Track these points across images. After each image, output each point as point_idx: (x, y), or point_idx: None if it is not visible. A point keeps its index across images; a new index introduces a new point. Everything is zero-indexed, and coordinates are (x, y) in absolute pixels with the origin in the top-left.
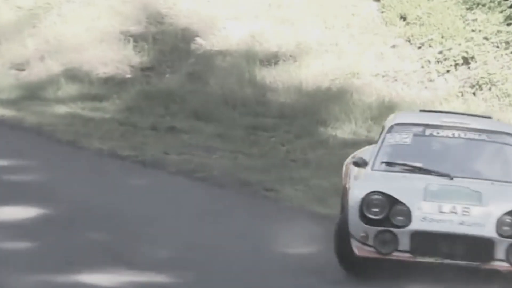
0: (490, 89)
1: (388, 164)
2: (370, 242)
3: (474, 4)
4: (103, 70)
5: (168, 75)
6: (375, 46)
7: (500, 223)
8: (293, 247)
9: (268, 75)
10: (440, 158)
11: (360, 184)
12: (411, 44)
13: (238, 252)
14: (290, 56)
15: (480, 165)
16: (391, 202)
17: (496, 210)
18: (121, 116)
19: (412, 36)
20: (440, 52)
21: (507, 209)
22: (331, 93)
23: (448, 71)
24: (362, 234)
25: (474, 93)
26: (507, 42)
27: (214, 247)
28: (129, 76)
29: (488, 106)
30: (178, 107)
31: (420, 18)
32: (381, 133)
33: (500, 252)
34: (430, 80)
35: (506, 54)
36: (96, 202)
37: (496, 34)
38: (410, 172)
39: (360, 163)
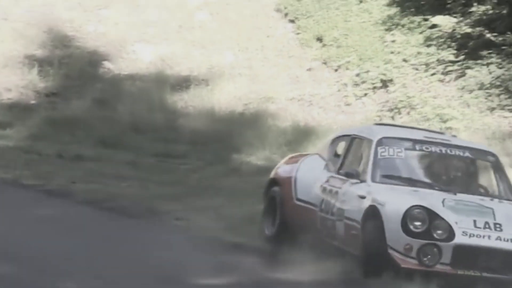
0: (409, 113)
1: (389, 177)
2: (413, 254)
3: (393, 25)
4: (6, 96)
5: (75, 100)
6: (290, 69)
7: None
8: (205, 278)
9: (180, 100)
10: (435, 173)
11: (394, 198)
12: (327, 66)
13: (150, 284)
14: (202, 80)
15: (473, 181)
16: (431, 216)
17: None
18: (26, 144)
19: (328, 58)
20: (358, 75)
21: None
22: (244, 118)
23: (365, 94)
24: (407, 246)
25: (392, 117)
26: (426, 64)
27: (124, 278)
28: (33, 102)
29: None
30: (85, 134)
31: (337, 39)
32: (331, 145)
33: None
34: (347, 104)
35: (426, 77)
36: None
37: (415, 56)
38: (413, 186)
39: (354, 174)
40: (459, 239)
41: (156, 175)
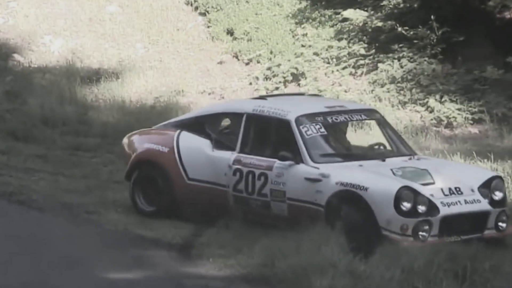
0: None
1: (326, 156)
2: (409, 232)
3: (304, 18)
4: None
5: None
6: (201, 62)
7: (486, 196)
8: (116, 272)
9: (90, 93)
10: (352, 142)
11: (371, 178)
12: (238, 60)
13: (62, 278)
14: (113, 73)
15: (393, 142)
16: (415, 194)
17: (471, 184)
18: None
19: (239, 51)
20: (269, 69)
21: (479, 182)
22: (155, 111)
23: (277, 88)
24: (404, 227)
25: None
26: (338, 58)
27: (34, 274)
28: None
29: None
30: None
31: (248, 33)
32: (210, 122)
33: (491, 221)
34: None
35: (337, 70)
36: None
37: (326, 50)
38: (349, 160)
39: (288, 157)
40: (443, 211)
41: (67, 168)
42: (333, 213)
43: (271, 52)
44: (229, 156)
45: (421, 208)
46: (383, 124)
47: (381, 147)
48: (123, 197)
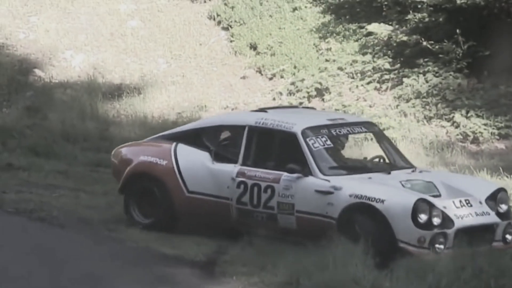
0: None
1: (334, 168)
2: (426, 245)
3: (328, 32)
4: None
5: (5, 109)
6: (224, 77)
7: (492, 208)
8: None
9: (111, 109)
10: (355, 154)
11: (386, 191)
12: (262, 75)
13: None
14: (135, 88)
15: (391, 155)
16: (430, 206)
17: (478, 197)
18: None
19: (263, 66)
20: (293, 83)
21: (486, 195)
22: (178, 127)
23: (301, 103)
24: (421, 239)
25: None
26: (362, 72)
27: None
28: None
29: None
30: (15, 143)
31: (271, 47)
32: (209, 134)
33: (498, 233)
34: None
35: (362, 85)
36: None
37: (351, 64)
38: (357, 173)
39: (296, 169)
40: (457, 223)
41: (88, 185)
42: (346, 225)
43: (294, 67)
44: (231, 168)
45: (436, 221)
46: (380, 137)
47: (381, 160)
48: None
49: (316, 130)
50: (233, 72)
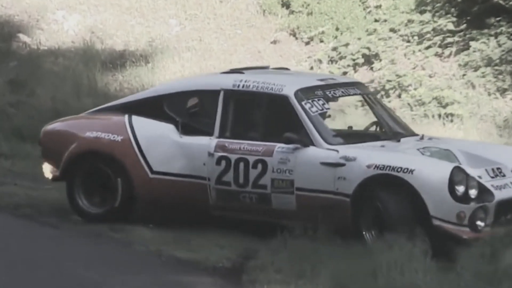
0: (399, 95)
1: (339, 135)
2: (466, 222)
3: None
4: None
5: None
6: (250, 41)
7: None
8: None
9: (113, 81)
10: (367, 119)
11: (413, 160)
12: (296, 39)
13: None
14: (141, 56)
15: (389, 122)
16: (467, 176)
17: (505, 165)
18: None
19: (298, 28)
20: (335, 49)
21: None
22: None
23: (345, 72)
24: (461, 215)
25: None
26: (420, 35)
27: None
28: None
29: None
30: None
31: (308, 5)
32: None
33: None
34: None
35: (420, 51)
36: None
37: (406, 25)
38: (366, 141)
39: (295, 139)
40: (498, 195)
41: None
42: (364, 203)
43: (337, 29)
44: (206, 142)
45: (473, 193)
46: (373, 100)
47: (377, 128)
48: (155, 210)
49: (310, 91)
50: (261, 35)
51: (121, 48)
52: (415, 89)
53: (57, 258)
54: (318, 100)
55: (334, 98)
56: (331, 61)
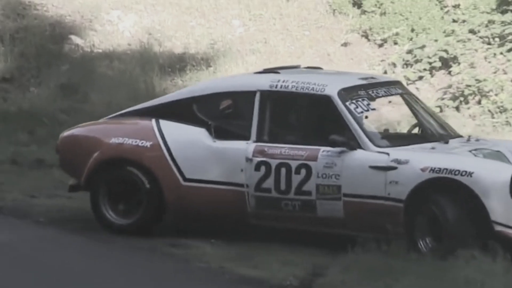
0: (479, 101)
1: (387, 137)
2: None
3: None
4: None
5: (33, 88)
6: (319, 43)
7: None
8: None
9: (172, 86)
10: (404, 119)
11: (470, 162)
12: (369, 40)
13: None
14: (202, 59)
15: (432, 123)
16: None
17: None
18: None
19: (370, 29)
20: (410, 52)
21: None
22: None
23: (421, 77)
24: None
25: (457, 108)
26: (502, 37)
27: None
28: None
29: (477, 126)
30: (46, 132)
31: (381, 4)
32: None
33: None
34: None
35: (501, 53)
36: None
37: (486, 26)
38: (415, 143)
39: (341, 142)
40: None
41: None
42: (419, 209)
43: (412, 30)
44: (243, 146)
45: None
46: (414, 100)
47: (419, 130)
48: (218, 223)
49: (353, 91)
50: (331, 37)
51: (181, 50)
52: (496, 94)
53: (111, 275)
54: (362, 100)
55: (377, 98)
56: (406, 64)
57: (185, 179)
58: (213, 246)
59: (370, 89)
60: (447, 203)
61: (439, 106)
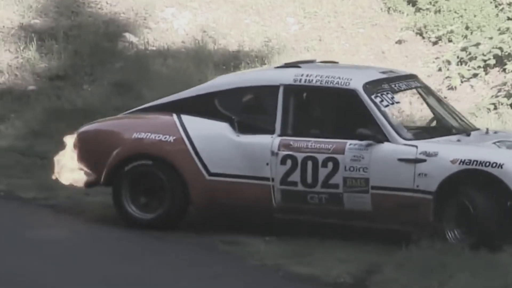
0: None
1: (413, 129)
2: None
3: None
4: None
5: (86, 85)
6: (374, 41)
7: None
8: None
9: None
10: (427, 113)
11: (499, 153)
12: (423, 38)
13: None
14: (256, 57)
15: (448, 116)
16: None
17: None
18: (23, 144)
19: (425, 27)
20: (464, 49)
21: None
22: None
23: (475, 75)
24: None
25: (511, 105)
26: None
27: None
28: (32, 87)
29: None
30: None
31: (436, 2)
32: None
33: None
34: (451, 88)
35: None
36: None
37: None
38: (441, 135)
39: (368, 135)
40: None
41: None
42: (448, 201)
43: (467, 28)
44: (268, 140)
45: None
46: (430, 93)
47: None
48: (272, 221)
49: (377, 85)
50: (385, 34)
51: (235, 48)
52: None
53: (166, 273)
54: (387, 93)
55: (399, 91)
56: (461, 62)
57: (210, 174)
58: (267, 243)
59: (392, 83)
60: (478, 195)
61: (494, 104)
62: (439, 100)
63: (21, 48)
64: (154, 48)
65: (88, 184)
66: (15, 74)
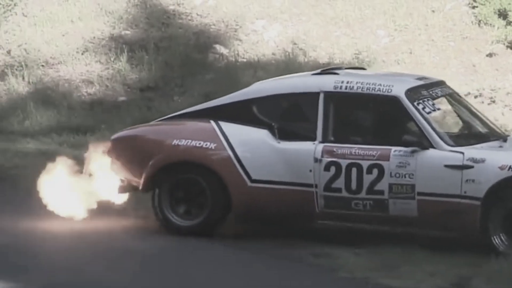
0: None
1: (457, 136)
2: None
3: None
4: (86, 90)
5: (177, 96)
6: (464, 54)
7: None
8: None
9: None
10: (456, 119)
11: None
12: None
13: None
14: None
15: (481, 120)
16: None
17: None
18: None
19: None
20: None
21: None
22: None
23: None
24: None
25: None
26: None
27: None
28: (123, 98)
29: None
30: None
31: None
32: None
33: None
34: None
35: None
36: None
37: None
38: (483, 141)
39: (414, 142)
40: None
41: None
42: (496, 207)
43: None
44: (310, 147)
45: None
46: (459, 100)
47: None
48: (361, 233)
49: (417, 91)
50: (476, 47)
51: (325, 60)
52: None
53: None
54: (428, 100)
55: (437, 98)
56: None
57: (252, 180)
58: (357, 255)
59: (429, 89)
60: None
61: None
62: (467, 106)
63: (112, 59)
64: (244, 60)
65: (123, 190)
66: (106, 85)
